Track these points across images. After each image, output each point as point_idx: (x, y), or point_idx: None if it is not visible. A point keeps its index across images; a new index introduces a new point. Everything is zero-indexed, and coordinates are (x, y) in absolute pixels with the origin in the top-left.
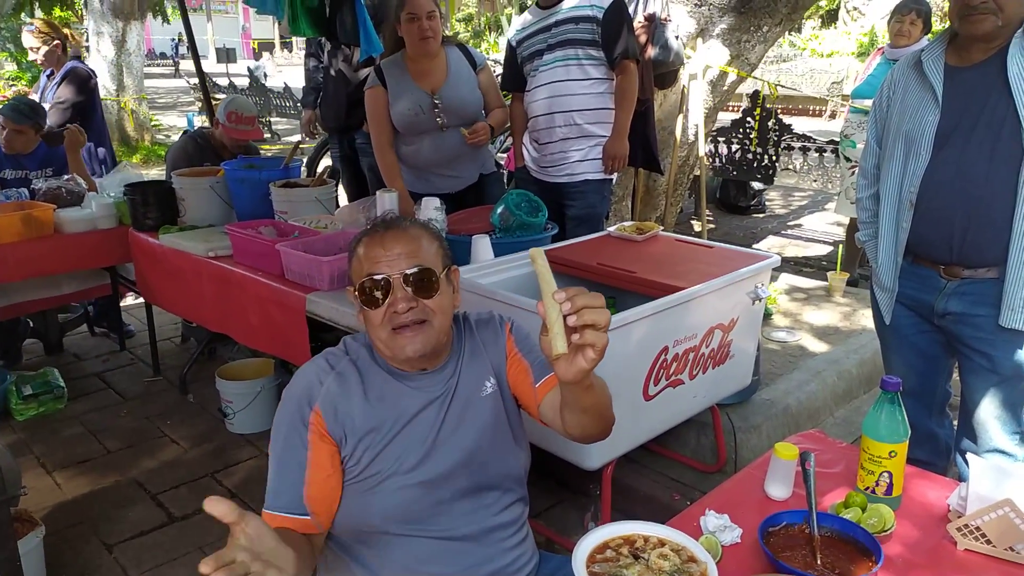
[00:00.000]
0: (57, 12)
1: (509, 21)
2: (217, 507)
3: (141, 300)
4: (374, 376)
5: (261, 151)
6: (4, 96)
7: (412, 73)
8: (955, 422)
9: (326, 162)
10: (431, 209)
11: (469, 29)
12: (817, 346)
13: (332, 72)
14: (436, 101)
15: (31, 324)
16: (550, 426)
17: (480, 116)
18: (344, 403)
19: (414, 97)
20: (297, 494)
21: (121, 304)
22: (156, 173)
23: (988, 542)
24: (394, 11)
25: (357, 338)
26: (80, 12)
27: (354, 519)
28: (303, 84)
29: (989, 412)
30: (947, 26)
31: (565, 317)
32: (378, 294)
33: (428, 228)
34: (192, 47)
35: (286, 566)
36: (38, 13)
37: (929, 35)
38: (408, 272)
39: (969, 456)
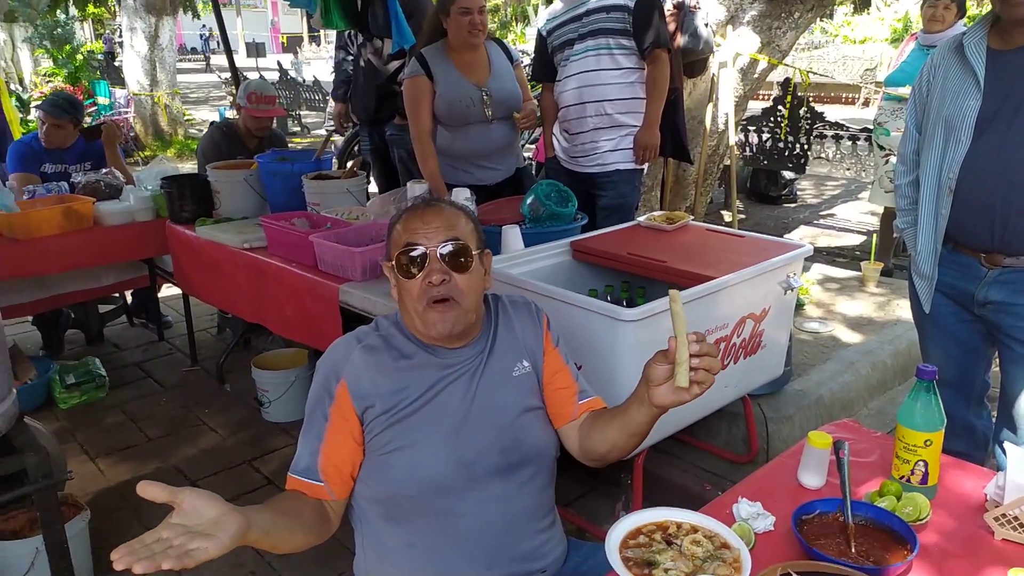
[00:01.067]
0: (91, 9)
1: (536, 12)
2: (147, 490)
3: (178, 291)
4: (404, 347)
5: (287, 140)
6: (42, 92)
7: (457, 64)
8: (994, 414)
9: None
10: (461, 199)
11: (496, 20)
12: (850, 336)
13: (362, 64)
14: (486, 94)
15: (72, 315)
16: (565, 440)
17: (520, 105)
18: (371, 371)
19: (464, 89)
20: (313, 462)
21: (159, 295)
22: (190, 167)
23: None
24: (441, 2)
25: (388, 317)
26: (113, 8)
27: (390, 487)
28: (333, 77)
29: None
30: (983, 11)
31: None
32: (415, 266)
33: (466, 209)
34: (224, 41)
35: (228, 532)
36: (72, 10)
37: (964, 20)
38: (444, 245)
39: (1007, 445)
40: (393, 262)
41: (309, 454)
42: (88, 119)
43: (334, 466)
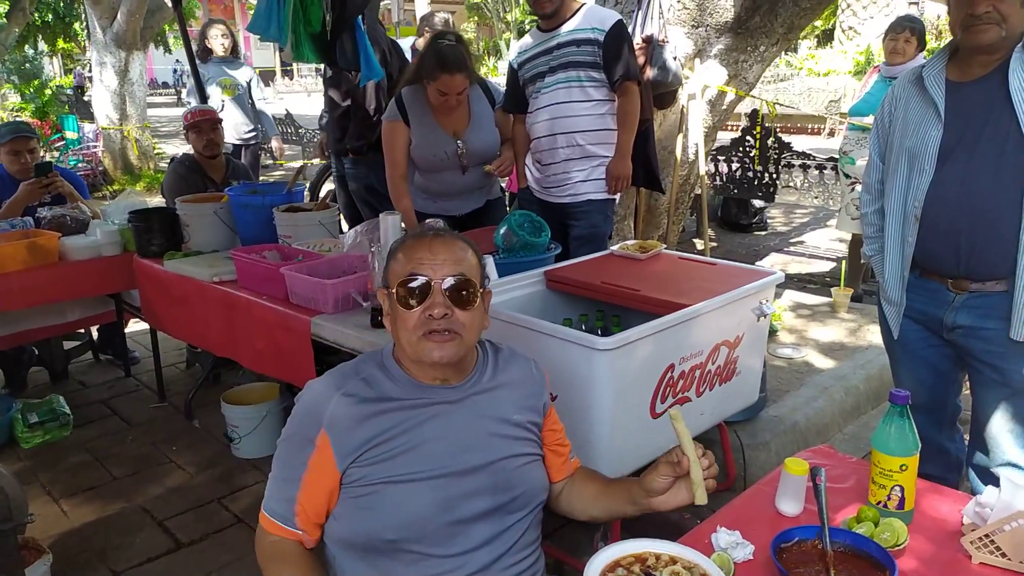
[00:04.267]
0: (61, 43)
1: (507, 46)
2: None
3: (146, 326)
4: (389, 390)
5: (258, 173)
6: None
7: (435, 111)
8: (966, 436)
9: (329, 186)
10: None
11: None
12: (823, 362)
13: (330, 96)
14: (460, 146)
15: (36, 352)
16: (551, 494)
17: (497, 152)
18: (353, 424)
19: (439, 142)
20: (290, 510)
21: (126, 331)
22: (160, 201)
23: (1003, 555)
24: (424, 71)
25: (372, 357)
26: (83, 43)
27: (367, 532)
28: (320, 110)
29: (1001, 426)
30: (942, 43)
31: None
32: (416, 296)
33: (473, 245)
34: (195, 75)
35: None
36: (41, 45)
37: (924, 52)
38: (450, 279)
39: (1003, 473)
40: (393, 291)
41: (284, 500)
42: (56, 154)
43: (308, 515)
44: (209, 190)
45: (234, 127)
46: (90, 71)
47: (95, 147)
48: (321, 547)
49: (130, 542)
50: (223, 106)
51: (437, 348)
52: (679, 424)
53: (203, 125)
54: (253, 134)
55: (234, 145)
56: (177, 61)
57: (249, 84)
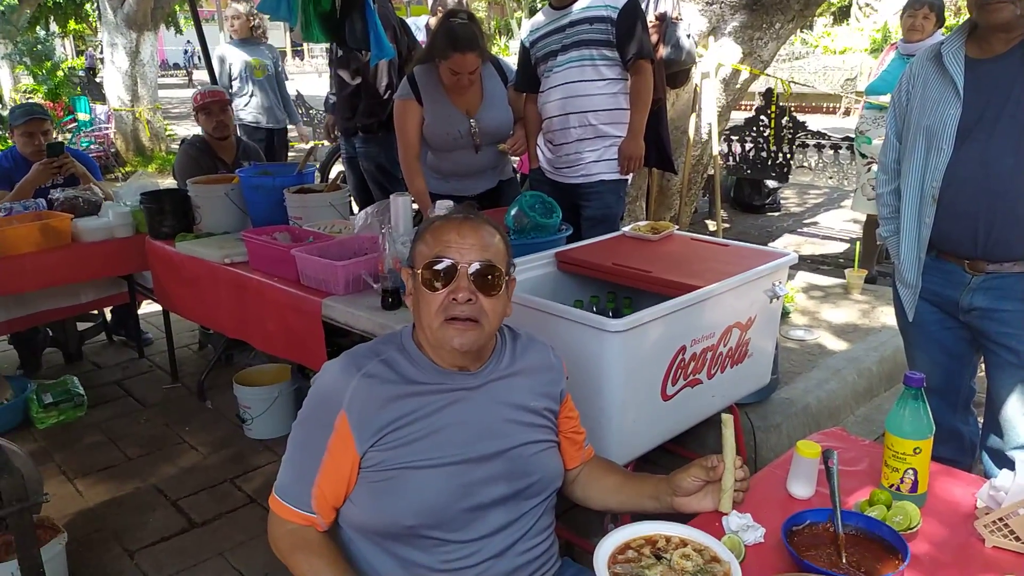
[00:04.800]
0: (72, 25)
1: (519, 25)
2: None
3: (159, 308)
4: (409, 373)
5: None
6: None
7: (448, 89)
8: (980, 419)
9: (339, 168)
10: (443, 211)
11: None
12: (836, 344)
13: (338, 76)
14: (473, 126)
15: (50, 333)
16: (565, 480)
17: (511, 131)
18: (374, 406)
19: (452, 120)
20: (306, 493)
21: (139, 312)
22: (172, 182)
23: (1017, 539)
24: (436, 50)
25: (392, 340)
26: (94, 24)
27: (387, 518)
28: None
29: (1017, 408)
30: (962, 19)
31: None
32: (441, 279)
33: (503, 232)
34: (206, 56)
35: None
36: (53, 27)
37: (943, 29)
38: (476, 264)
39: (1020, 455)
40: (418, 272)
41: (301, 484)
42: (68, 135)
43: (326, 498)
44: (220, 171)
45: (267, 111)
46: (101, 52)
47: (107, 128)
48: (335, 530)
49: (144, 522)
50: (253, 88)
51: (458, 335)
52: (727, 430)
53: (213, 107)
54: (285, 118)
55: (268, 130)
56: (188, 42)
57: (277, 66)
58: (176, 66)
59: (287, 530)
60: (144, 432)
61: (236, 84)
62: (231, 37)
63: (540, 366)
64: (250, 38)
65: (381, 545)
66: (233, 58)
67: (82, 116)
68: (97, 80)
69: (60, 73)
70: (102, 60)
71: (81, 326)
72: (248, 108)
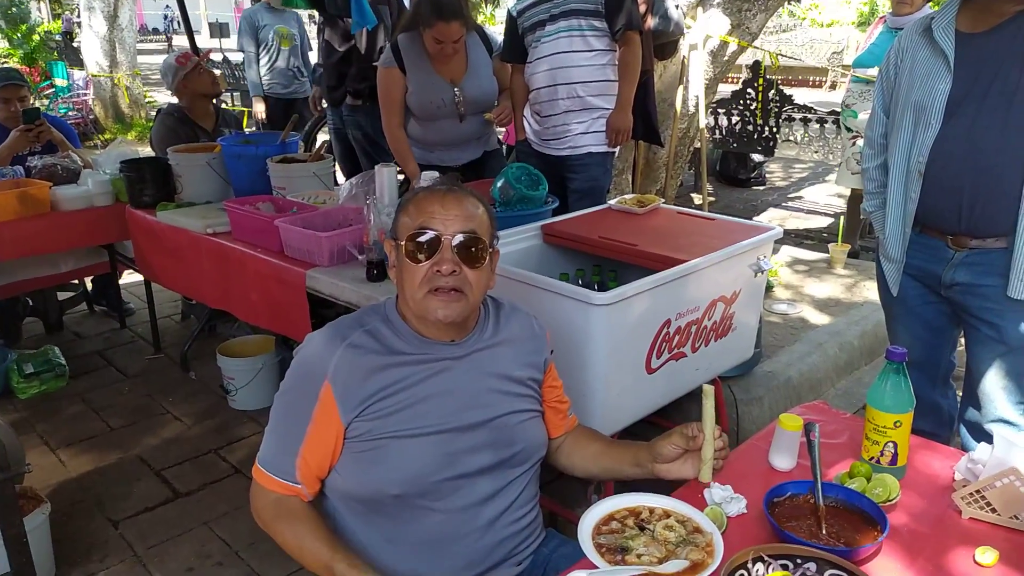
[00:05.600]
0: None
1: None
2: None
3: (140, 278)
4: (394, 343)
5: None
6: None
7: (432, 58)
8: (959, 393)
9: (323, 137)
10: (429, 182)
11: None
12: (818, 318)
13: (322, 45)
14: (457, 94)
15: (30, 303)
16: (550, 449)
17: (495, 101)
18: (359, 375)
19: (436, 88)
20: (291, 463)
21: (120, 282)
22: (151, 151)
23: (993, 510)
24: (420, 18)
25: (376, 310)
26: None
27: (373, 487)
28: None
29: (995, 383)
30: None
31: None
32: (424, 250)
33: (487, 203)
34: (185, 22)
35: None
36: None
37: (931, 3)
38: (460, 235)
39: (996, 428)
40: (402, 243)
41: (285, 454)
42: (45, 101)
43: (311, 468)
44: (201, 140)
45: (291, 79)
46: (79, 16)
47: (85, 95)
48: (320, 500)
49: (128, 492)
50: (278, 57)
51: (442, 307)
52: (708, 401)
53: (203, 67)
54: (308, 88)
55: (290, 100)
56: (167, 6)
57: (303, 35)
58: (155, 31)
59: (270, 500)
60: (127, 402)
61: (262, 50)
62: (266, 2)
63: (524, 335)
64: (275, 6)
65: (366, 516)
66: (266, 21)
67: (59, 82)
68: (74, 45)
69: (36, 37)
70: (79, 24)
71: (62, 296)
72: (273, 76)
